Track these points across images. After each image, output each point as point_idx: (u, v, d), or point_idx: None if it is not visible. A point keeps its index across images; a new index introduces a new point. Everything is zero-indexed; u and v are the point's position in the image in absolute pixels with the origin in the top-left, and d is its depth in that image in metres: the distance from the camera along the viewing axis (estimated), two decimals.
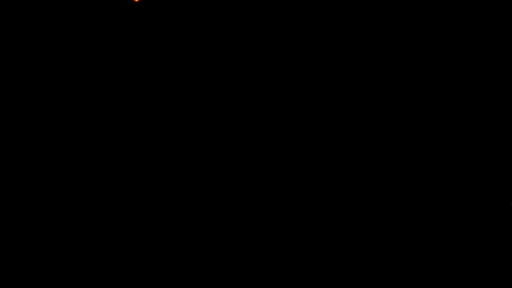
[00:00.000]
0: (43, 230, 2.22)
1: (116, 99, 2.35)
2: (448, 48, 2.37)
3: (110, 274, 2.18)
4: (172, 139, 2.33)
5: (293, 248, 2.23)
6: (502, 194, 2.25)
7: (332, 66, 2.38)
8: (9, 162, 2.28)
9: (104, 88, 2.36)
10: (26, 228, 2.22)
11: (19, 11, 2.36)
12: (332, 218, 2.26)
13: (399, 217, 2.25)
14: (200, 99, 2.37)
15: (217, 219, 2.26)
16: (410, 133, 2.32)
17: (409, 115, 2.34)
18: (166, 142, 2.33)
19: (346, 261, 2.21)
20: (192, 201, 2.28)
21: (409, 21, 2.37)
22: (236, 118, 2.35)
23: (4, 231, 2.21)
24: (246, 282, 2.19)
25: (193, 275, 2.20)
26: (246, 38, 2.39)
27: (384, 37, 2.37)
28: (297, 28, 2.39)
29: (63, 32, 2.37)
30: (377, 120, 2.34)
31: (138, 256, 2.21)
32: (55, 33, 2.37)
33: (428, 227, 2.23)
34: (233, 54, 2.39)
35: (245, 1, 2.38)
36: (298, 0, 2.39)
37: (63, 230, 2.22)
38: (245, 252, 2.22)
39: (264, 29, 2.39)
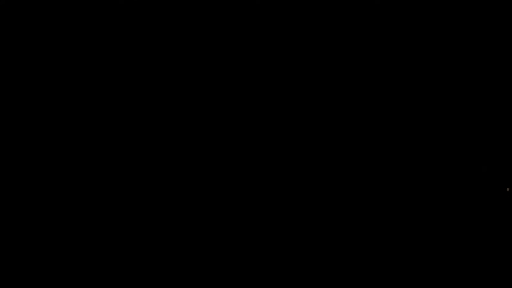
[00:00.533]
0: (43, 230, 2.22)
1: (116, 99, 2.35)
2: (448, 48, 2.37)
3: (110, 274, 2.18)
4: (172, 139, 2.33)
5: (293, 248, 2.23)
6: (501, 193, 2.25)
7: (332, 66, 2.38)
8: (9, 162, 2.28)
9: (104, 87, 2.36)
10: (26, 228, 2.22)
11: (19, 11, 2.36)
12: (332, 218, 2.26)
13: (399, 217, 2.25)
14: (200, 99, 2.37)
15: (217, 219, 2.26)
16: (410, 133, 2.33)
17: (409, 115, 2.34)
18: (166, 142, 2.33)
19: (346, 261, 2.21)
20: (192, 201, 2.28)
21: (409, 21, 2.37)
22: (236, 118, 2.35)
23: (4, 231, 2.21)
24: (246, 282, 2.19)
25: (193, 275, 2.20)
26: (246, 38, 2.39)
27: (384, 37, 2.38)
28: (297, 28, 2.39)
29: (63, 31, 2.37)
30: (377, 120, 2.34)
31: (138, 256, 2.21)
32: (55, 32, 2.37)
33: (428, 227, 2.24)
34: (233, 54, 2.39)
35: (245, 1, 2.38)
36: (298, 0, 2.39)
37: (63, 230, 2.23)
38: (245, 252, 2.22)
39: (264, 29, 2.39)
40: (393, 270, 2.20)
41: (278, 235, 2.25)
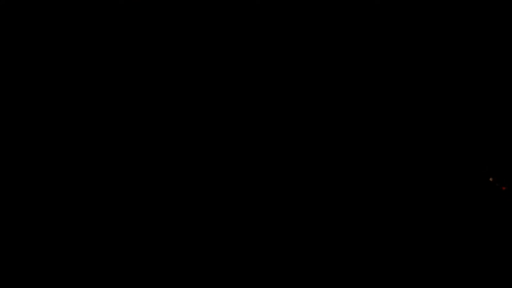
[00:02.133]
0: (43, 230, 2.23)
1: (116, 100, 2.35)
2: (448, 48, 2.37)
3: (110, 274, 2.19)
4: (172, 139, 2.33)
5: (293, 248, 2.23)
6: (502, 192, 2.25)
7: (332, 66, 2.38)
8: (9, 162, 2.28)
9: (104, 87, 2.36)
10: (26, 228, 2.23)
11: (19, 11, 2.36)
12: (332, 218, 2.26)
13: (399, 217, 2.26)
14: (200, 100, 2.37)
15: (217, 219, 2.26)
16: (410, 133, 2.33)
17: (410, 115, 2.34)
18: (166, 142, 2.33)
19: (346, 261, 2.21)
20: (192, 201, 2.28)
21: (409, 21, 2.37)
22: (236, 118, 2.35)
23: (4, 231, 2.22)
24: (246, 282, 2.19)
25: (193, 275, 2.20)
26: (246, 38, 2.39)
27: (384, 37, 2.38)
28: (297, 28, 2.39)
29: (63, 31, 2.37)
30: (377, 121, 2.34)
31: (138, 256, 2.21)
32: (55, 32, 2.37)
33: (429, 227, 2.24)
34: (233, 54, 2.39)
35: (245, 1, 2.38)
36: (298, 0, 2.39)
37: (63, 230, 2.23)
38: (245, 252, 2.22)
39: (264, 29, 2.39)
40: (393, 270, 2.20)
41: (278, 235, 2.25)
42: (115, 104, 2.35)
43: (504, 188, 2.21)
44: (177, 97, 2.37)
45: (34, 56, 2.36)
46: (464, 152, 2.31)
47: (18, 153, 2.30)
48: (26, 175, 2.28)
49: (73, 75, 2.36)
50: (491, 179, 2.18)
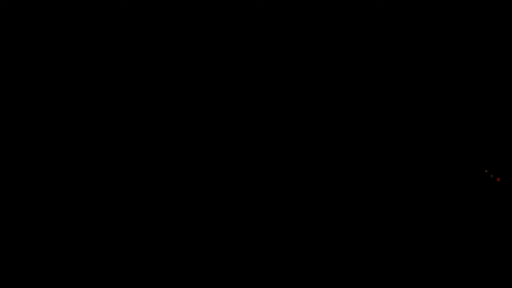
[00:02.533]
0: (43, 230, 2.23)
1: (116, 99, 2.36)
2: (449, 49, 2.37)
3: (110, 274, 2.18)
4: (172, 140, 2.33)
5: (293, 248, 2.23)
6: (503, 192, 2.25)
7: (332, 66, 2.38)
8: (9, 162, 2.28)
9: (104, 87, 2.36)
10: (26, 228, 2.22)
11: (19, 11, 2.36)
12: (332, 218, 2.26)
13: (399, 217, 2.26)
14: (200, 99, 2.37)
15: (217, 219, 2.26)
16: (411, 133, 2.33)
17: (410, 115, 2.34)
18: (166, 142, 2.33)
19: (346, 261, 2.21)
20: (192, 201, 2.28)
21: (409, 21, 2.38)
22: (236, 118, 2.36)
23: (4, 231, 2.21)
24: (246, 282, 2.19)
25: (193, 275, 2.20)
26: (246, 38, 2.39)
27: (384, 37, 2.38)
28: (297, 28, 2.39)
29: (63, 31, 2.37)
30: (378, 123, 2.34)
31: (138, 256, 2.21)
32: (55, 32, 2.37)
33: (430, 229, 2.24)
34: (233, 54, 2.39)
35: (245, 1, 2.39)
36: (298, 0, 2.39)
37: (63, 230, 2.23)
38: (245, 252, 2.22)
39: (264, 29, 2.40)
40: (393, 270, 2.20)
41: (278, 235, 2.25)
42: (115, 103, 2.35)
43: (498, 179, 2.21)
44: (177, 97, 2.37)
45: (34, 56, 2.36)
46: (459, 144, 2.31)
47: (18, 153, 2.30)
48: (26, 175, 2.27)
49: (73, 75, 2.36)
50: (486, 171, 2.18)
